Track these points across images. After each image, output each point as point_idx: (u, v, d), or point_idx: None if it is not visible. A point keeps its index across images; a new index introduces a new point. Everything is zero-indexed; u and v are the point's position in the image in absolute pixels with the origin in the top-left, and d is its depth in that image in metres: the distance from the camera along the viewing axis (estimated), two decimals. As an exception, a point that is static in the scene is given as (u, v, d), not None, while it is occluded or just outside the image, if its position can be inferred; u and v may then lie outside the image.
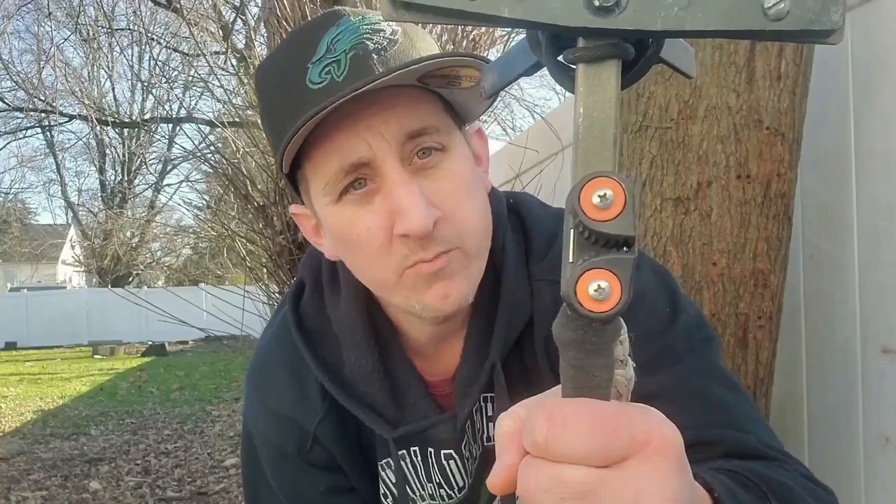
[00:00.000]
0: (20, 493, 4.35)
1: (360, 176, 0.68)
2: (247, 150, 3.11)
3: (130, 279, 22.32)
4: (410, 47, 0.70)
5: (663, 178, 1.41)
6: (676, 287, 0.77)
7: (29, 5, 19.45)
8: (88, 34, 20.25)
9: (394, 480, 0.83)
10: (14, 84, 20.19)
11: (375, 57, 0.67)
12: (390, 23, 0.70)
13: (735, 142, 1.37)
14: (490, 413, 0.80)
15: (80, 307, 17.86)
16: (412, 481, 0.83)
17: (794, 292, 1.54)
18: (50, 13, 19.23)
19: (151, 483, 4.57)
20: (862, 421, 1.40)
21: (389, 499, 0.84)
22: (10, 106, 20.52)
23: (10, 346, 16.85)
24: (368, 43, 0.68)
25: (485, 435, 0.81)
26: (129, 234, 21.68)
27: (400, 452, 0.81)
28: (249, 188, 2.84)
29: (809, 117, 1.44)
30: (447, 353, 0.80)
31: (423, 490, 0.83)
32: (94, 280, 23.10)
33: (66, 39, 21.81)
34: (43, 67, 20.17)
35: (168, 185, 23.76)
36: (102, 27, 19.81)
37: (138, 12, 17.92)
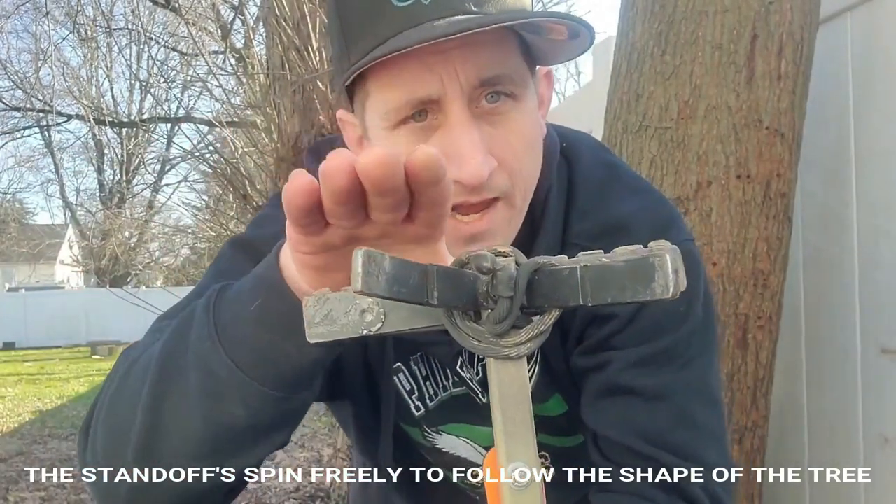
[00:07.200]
0: (18, 493, 4.34)
1: (423, 109, 0.65)
2: (245, 149, 3.11)
3: (129, 279, 22.27)
4: None
5: (663, 178, 1.41)
6: (698, 287, 0.74)
7: (27, 4, 19.39)
8: (87, 33, 20.19)
9: (409, 384, 0.84)
10: (12, 83, 20.16)
11: None
12: None
13: (735, 142, 1.37)
14: None
15: (79, 307, 17.78)
16: (422, 384, 0.85)
17: (794, 292, 1.54)
18: (48, 12, 19.19)
19: (150, 483, 4.56)
20: (861, 421, 1.40)
21: (415, 395, 0.85)
22: (7, 105, 20.47)
23: (9, 346, 16.80)
24: None
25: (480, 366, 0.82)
26: (127, 234, 21.62)
27: (413, 358, 0.83)
28: (248, 188, 2.84)
29: (809, 117, 1.44)
30: None
31: (436, 392, 0.85)
32: (93, 280, 23.06)
33: (64, 39, 21.74)
34: (41, 67, 20.14)
35: (166, 185, 23.72)
36: (101, 26, 19.77)
37: (137, 12, 17.87)
